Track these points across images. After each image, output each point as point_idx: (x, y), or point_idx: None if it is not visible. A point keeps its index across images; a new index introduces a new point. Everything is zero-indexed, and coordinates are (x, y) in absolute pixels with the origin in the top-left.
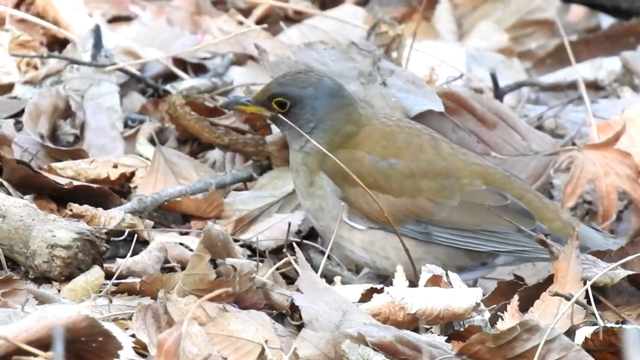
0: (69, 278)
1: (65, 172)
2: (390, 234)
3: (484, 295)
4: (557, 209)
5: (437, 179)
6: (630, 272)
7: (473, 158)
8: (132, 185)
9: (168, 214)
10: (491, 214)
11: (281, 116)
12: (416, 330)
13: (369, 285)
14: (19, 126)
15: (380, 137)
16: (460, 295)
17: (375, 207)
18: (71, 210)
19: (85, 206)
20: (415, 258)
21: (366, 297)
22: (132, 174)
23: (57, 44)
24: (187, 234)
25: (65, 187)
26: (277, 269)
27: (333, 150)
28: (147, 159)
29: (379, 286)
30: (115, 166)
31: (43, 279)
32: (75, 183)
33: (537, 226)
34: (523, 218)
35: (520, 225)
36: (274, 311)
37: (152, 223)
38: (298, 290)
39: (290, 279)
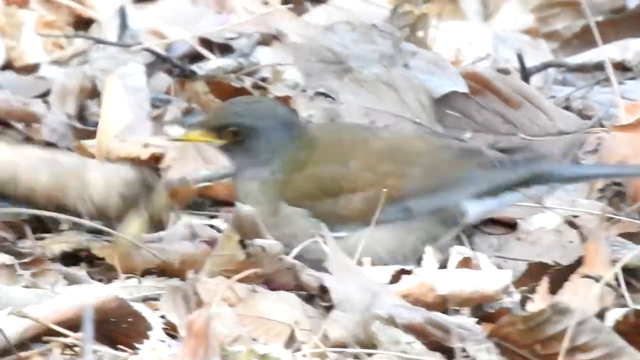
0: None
1: (95, 150)
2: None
3: (514, 277)
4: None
5: (391, 159)
6: None
7: (409, 133)
8: (161, 166)
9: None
10: (452, 163)
11: (235, 147)
12: (445, 312)
13: (398, 267)
14: (45, 106)
15: (330, 148)
16: (490, 277)
17: (352, 207)
18: None
19: None
20: (399, 241)
21: (395, 278)
22: (162, 155)
23: (82, 23)
24: (216, 216)
25: None
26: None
27: (290, 178)
28: None
29: (408, 267)
30: (145, 146)
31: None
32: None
33: (492, 156)
34: (477, 155)
35: (477, 161)
36: (304, 292)
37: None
38: (327, 271)
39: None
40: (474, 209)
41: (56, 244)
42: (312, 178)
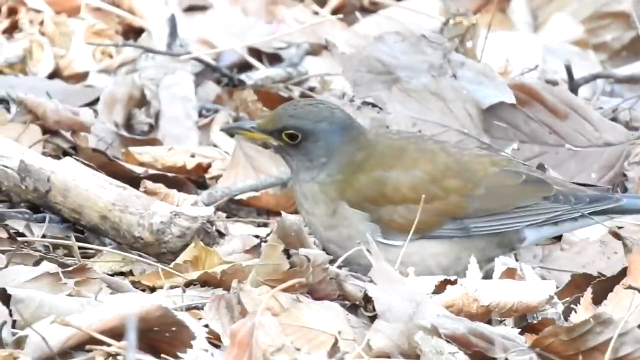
0: (173, 253)
1: (143, 158)
2: (428, 241)
3: (557, 288)
4: (559, 180)
5: (458, 177)
6: None
7: (476, 151)
8: (208, 176)
9: (244, 207)
10: (517, 191)
11: (291, 149)
12: (489, 322)
13: (442, 277)
14: (94, 115)
15: (393, 154)
16: (534, 288)
17: (412, 217)
18: (145, 188)
19: (159, 185)
20: (454, 258)
21: (440, 289)
22: (209, 165)
23: (132, 32)
24: (263, 225)
25: (142, 175)
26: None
27: (349, 179)
28: (223, 150)
29: (452, 278)
30: (192, 156)
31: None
32: (151, 172)
33: (556, 190)
34: (543, 186)
35: (543, 194)
36: (348, 302)
37: (224, 215)
38: (372, 281)
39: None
40: (533, 235)
41: (101, 264)
42: (374, 181)
